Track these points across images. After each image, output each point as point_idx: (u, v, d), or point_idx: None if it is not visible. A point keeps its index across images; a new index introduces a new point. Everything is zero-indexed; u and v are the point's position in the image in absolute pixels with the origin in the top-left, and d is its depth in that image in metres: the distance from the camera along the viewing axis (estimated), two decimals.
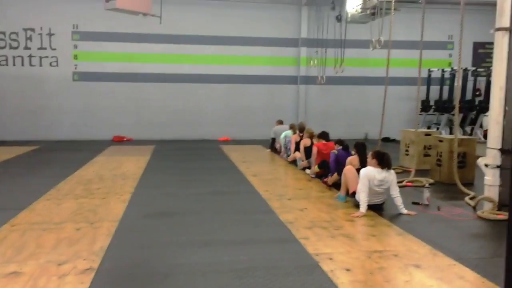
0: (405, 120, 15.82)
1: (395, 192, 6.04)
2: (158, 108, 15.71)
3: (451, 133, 13.39)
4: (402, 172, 9.24)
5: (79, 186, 7.59)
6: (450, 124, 14.76)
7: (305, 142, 9.49)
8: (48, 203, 6.42)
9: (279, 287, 3.68)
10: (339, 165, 7.18)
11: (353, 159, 6.82)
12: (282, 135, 11.14)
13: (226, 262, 4.22)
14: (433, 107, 15.75)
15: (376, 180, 5.94)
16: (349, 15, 11.18)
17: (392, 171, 6.11)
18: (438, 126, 15.11)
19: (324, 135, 8.78)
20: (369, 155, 6.21)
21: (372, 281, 3.83)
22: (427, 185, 7.07)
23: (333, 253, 4.47)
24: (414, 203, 6.53)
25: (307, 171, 9.04)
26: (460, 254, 4.47)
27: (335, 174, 7.42)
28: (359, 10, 10.58)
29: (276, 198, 6.84)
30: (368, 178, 5.90)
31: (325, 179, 7.86)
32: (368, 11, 10.28)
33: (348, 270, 4.05)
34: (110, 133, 15.27)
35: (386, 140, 14.87)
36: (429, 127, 14.92)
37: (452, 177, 7.67)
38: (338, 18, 12.57)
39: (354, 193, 6.30)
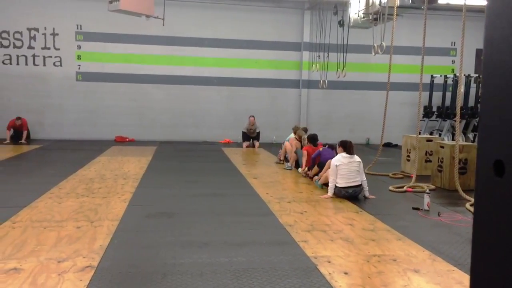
0: (407, 125, 15.84)
1: (362, 178, 7.09)
2: (161, 109, 15.76)
3: (453, 139, 13.39)
4: (403, 178, 9.25)
5: (80, 185, 7.62)
6: (452, 130, 14.75)
7: (297, 144, 10.04)
8: (49, 201, 6.45)
9: None
10: (322, 159, 8.14)
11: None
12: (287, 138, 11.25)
13: (224, 263, 4.23)
14: (435, 113, 15.77)
15: (344, 163, 7.03)
16: (351, 20, 11.20)
17: (356, 156, 7.18)
18: (441, 132, 15.12)
19: (312, 139, 9.26)
20: (338, 145, 7.38)
21: (370, 285, 3.84)
22: (427, 190, 7.08)
23: (332, 256, 4.48)
24: (414, 208, 6.54)
25: (299, 170, 9.56)
26: (459, 260, 4.48)
27: (315, 167, 8.32)
28: (362, 15, 10.61)
29: (276, 201, 6.85)
30: (335, 164, 7.04)
31: (308, 172, 8.74)
32: (371, 16, 10.30)
33: (346, 273, 4.06)
34: (113, 133, 15.30)
35: (387, 145, 14.88)
36: (431, 133, 14.92)
37: (453, 183, 7.70)
38: (341, 23, 12.60)
39: None
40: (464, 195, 7.27)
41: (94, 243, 4.65)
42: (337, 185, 7.06)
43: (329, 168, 7.42)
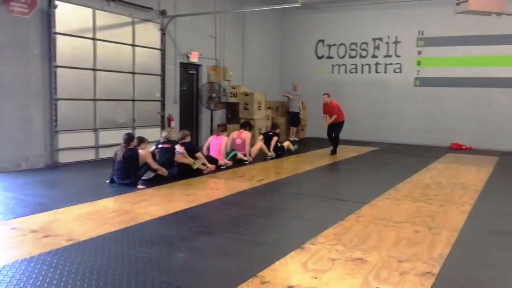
0: None
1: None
2: (505, 115, 14.15)
3: None
4: None
5: (416, 190, 7.69)
6: None
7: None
8: (388, 201, 6.78)
9: None
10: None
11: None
12: None
13: None
14: None
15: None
16: None
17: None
18: None
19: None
20: None
21: None
22: None
23: None
24: None
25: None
26: None
27: None
28: None
29: None
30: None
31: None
32: None
33: None
34: (448, 140, 14.79)
35: None
36: None
37: None
38: None
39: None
40: None
41: (433, 250, 4.58)
42: None
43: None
